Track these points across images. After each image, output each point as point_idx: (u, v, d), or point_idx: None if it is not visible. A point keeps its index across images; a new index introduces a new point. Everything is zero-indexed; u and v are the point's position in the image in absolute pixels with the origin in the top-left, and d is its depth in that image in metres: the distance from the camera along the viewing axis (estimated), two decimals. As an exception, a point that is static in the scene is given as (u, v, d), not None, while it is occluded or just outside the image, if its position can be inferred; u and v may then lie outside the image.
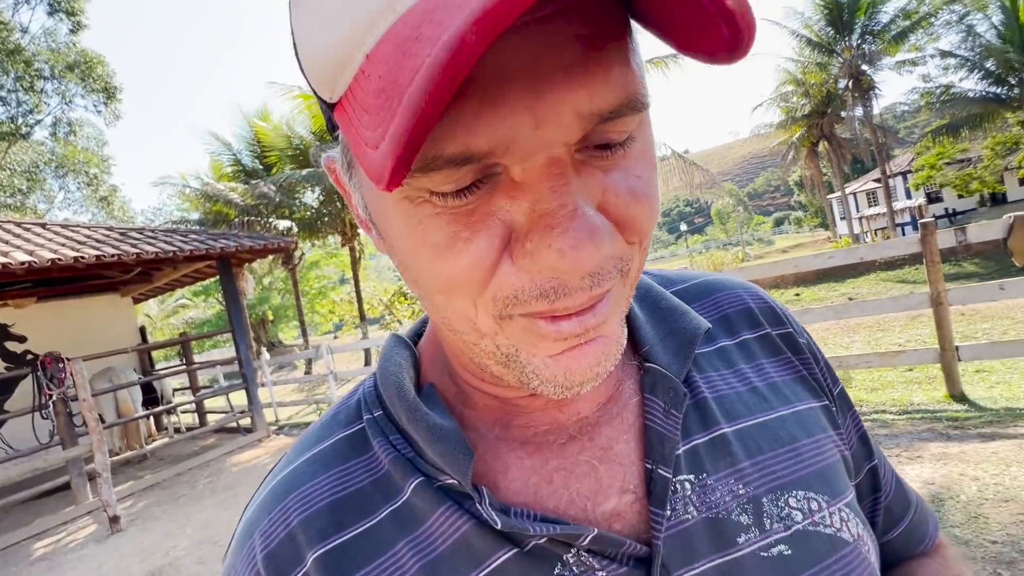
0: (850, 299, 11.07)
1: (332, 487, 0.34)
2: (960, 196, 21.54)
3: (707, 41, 0.20)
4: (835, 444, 0.38)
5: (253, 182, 13.38)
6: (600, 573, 0.30)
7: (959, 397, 3.76)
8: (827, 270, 15.46)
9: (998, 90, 17.31)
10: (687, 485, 0.33)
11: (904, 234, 21.51)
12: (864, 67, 19.69)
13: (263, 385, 8.97)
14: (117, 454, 6.74)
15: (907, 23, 19.12)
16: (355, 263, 14.47)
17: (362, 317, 14.55)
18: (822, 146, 25.36)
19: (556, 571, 0.30)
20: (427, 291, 0.28)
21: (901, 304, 4.09)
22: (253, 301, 21.85)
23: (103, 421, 5.66)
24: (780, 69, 24.26)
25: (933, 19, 18.66)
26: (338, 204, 13.78)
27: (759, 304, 0.43)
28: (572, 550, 0.30)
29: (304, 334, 15.55)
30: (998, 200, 22.53)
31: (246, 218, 12.86)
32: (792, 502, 0.34)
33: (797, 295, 13.83)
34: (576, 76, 0.21)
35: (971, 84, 18.07)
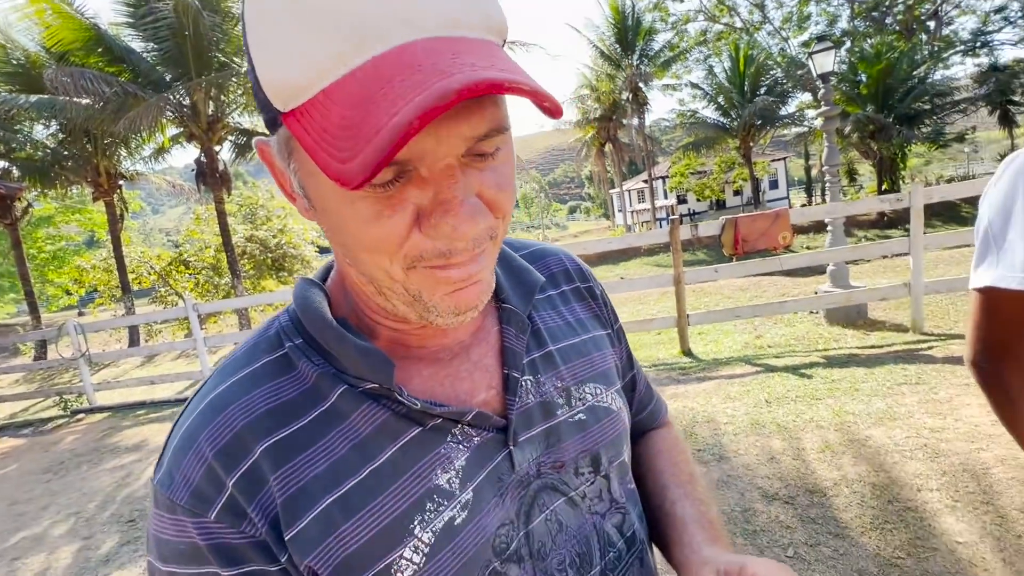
0: (621, 278, 13.35)
1: (266, 399, 0.41)
2: (698, 200, 27.53)
3: (545, 112, 0.33)
4: (612, 356, 0.60)
5: (-59, 101, 9.69)
6: (476, 439, 0.45)
7: (687, 352, 5.03)
8: (606, 253, 18.30)
9: (725, 120, 22.51)
10: (528, 383, 0.49)
11: (661, 227, 26.62)
12: (641, 84, 23.48)
13: (-31, 376, 6.80)
14: None
15: (671, 54, 23.38)
16: (115, 222, 11.67)
17: (125, 289, 11.92)
18: (608, 147, 29.50)
19: (448, 439, 0.44)
20: (353, 250, 0.37)
21: (656, 282, 5.23)
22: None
23: None
24: (579, 73, 27.27)
25: (688, 55, 23.20)
26: (88, 146, 10.92)
27: (573, 266, 0.63)
28: (459, 425, 0.44)
29: (34, 309, 11.98)
30: (721, 205, 29.46)
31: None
32: (587, 389, 0.53)
33: (584, 274, 16.07)
34: (463, 113, 0.32)
35: (709, 113, 23.15)
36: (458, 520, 0.42)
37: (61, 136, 10.85)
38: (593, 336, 0.58)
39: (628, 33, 23.30)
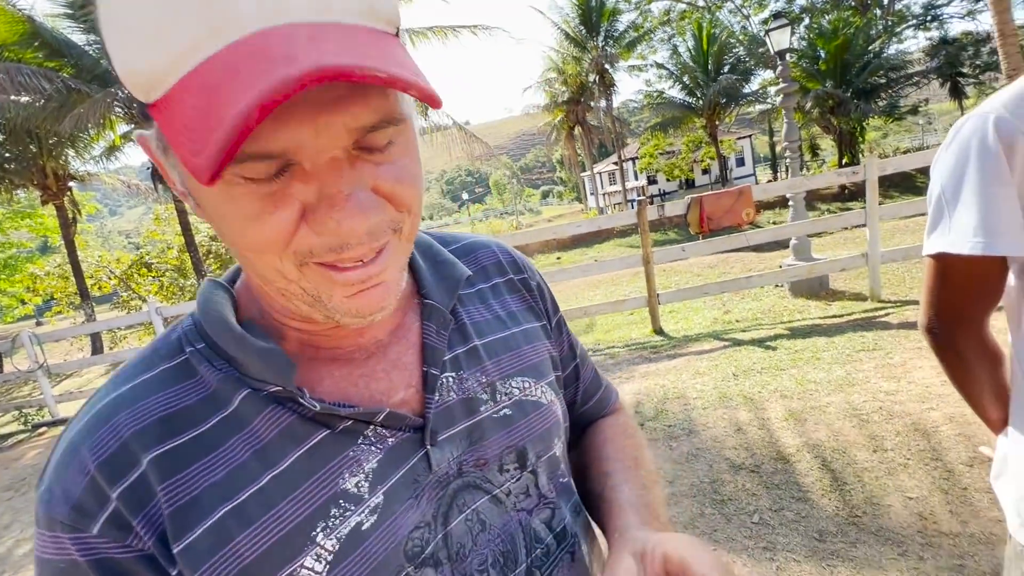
0: (595, 260, 13.47)
1: (160, 406, 0.39)
2: (668, 180, 27.84)
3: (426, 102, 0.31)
4: (546, 348, 0.57)
5: None
6: (391, 439, 0.43)
7: (659, 331, 5.12)
8: (579, 236, 18.38)
9: (691, 100, 22.70)
10: (450, 379, 0.48)
11: (633, 208, 27.00)
12: (607, 66, 23.43)
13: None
14: None
15: (636, 35, 23.39)
16: (68, 226, 11.15)
17: (84, 295, 11.45)
18: (577, 130, 29.44)
19: (359, 441, 0.41)
20: (240, 249, 0.35)
21: (627, 263, 5.28)
22: None
23: None
24: (546, 56, 27.04)
25: (652, 36, 23.26)
26: (32, 147, 10.37)
27: (506, 257, 0.60)
28: (371, 427, 0.42)
29: (-15, 321, 11.44)
30: (690, 184, 29.86)
31: None
32: (514, 384, 0.51)
33: (559, 258, 16.12)
34: (342, 104, 0.30)
35: (675, 93, 23.30)
36: (366, 525, 0.40)
37: (1, 137, 10.26)
38: (525, 329, 0.56)
39: (592, 14, 23.16)
